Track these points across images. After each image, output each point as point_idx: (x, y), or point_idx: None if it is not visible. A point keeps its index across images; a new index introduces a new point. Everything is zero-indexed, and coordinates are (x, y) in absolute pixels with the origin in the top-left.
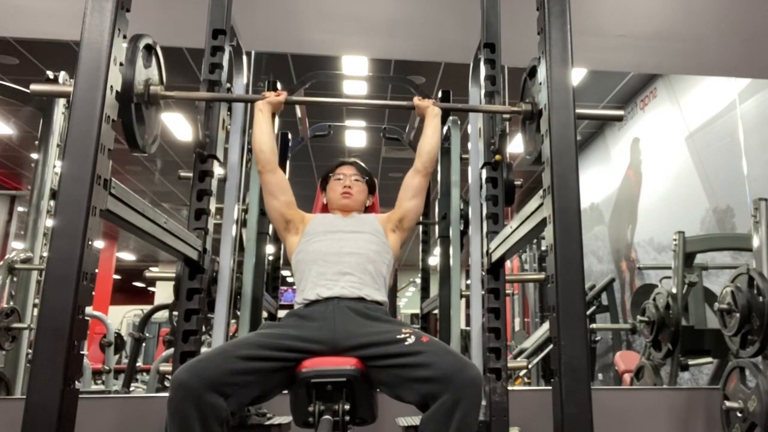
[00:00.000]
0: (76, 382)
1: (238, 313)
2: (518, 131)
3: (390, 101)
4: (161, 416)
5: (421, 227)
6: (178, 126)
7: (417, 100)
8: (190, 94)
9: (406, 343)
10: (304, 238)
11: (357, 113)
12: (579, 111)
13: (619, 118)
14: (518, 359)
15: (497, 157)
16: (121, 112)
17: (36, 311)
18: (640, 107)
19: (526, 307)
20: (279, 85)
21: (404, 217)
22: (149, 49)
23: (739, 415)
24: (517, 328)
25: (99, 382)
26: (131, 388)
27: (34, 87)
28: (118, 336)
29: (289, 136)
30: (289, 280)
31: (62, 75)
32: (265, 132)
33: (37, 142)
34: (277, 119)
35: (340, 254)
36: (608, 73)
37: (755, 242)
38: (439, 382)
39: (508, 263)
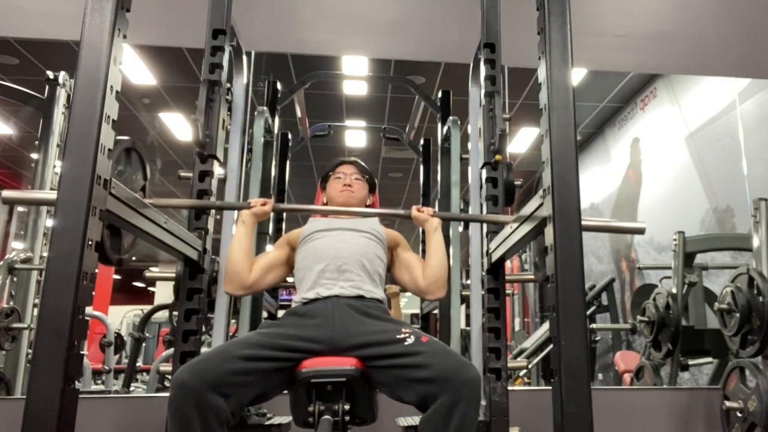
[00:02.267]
0: (76, 382)
1: (239, 313)
2: (518, 131)
3: (385, 210)
4: (161, 416)
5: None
6: (178, 126)
7: (415, 211)
8: (173, 202)
9: (406, 343)
10: (302, 243)
11: (357, 113)
12: (597, 224)
13: (641, 231)
14: (518, 359)
15: (497, 157)
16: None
17: (36, 311)
18: (640, 107)
19: (526, 307)
20: (279, 85)
21: (394, 268)
22: (128, 152)
23: (739, 415)
24: (517, 328)
25: (99, 382)
26: (131, 388)
27: (6, 194)
28: (118, 336)
29: (289, 136)
30: (290, 280)
31: (62, 75)
32: (244, 249)
33: (37, 142)
34: (277, 119)
35: (338, 249)
36: (608, 73)
37: (755, 242)
38: (438, 382)
39: (508, 263)
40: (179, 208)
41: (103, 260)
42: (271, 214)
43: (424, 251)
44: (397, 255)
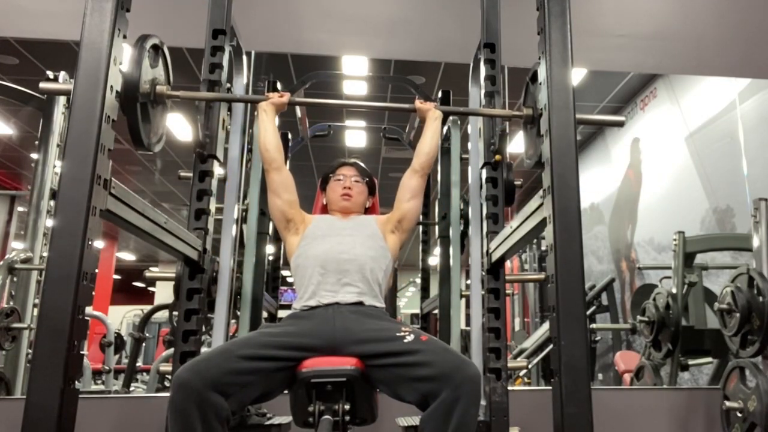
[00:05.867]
0: (76, 382)
1: (238, 313)
2: (518, 131)
3: (392, 103)
4: (161, 416)
5: (421, 227)
6: (178, 126)
7: (419, 103)
8: (196, 94)
9: (405, 341)
10: (303, 241)
11: (357, 113)
12: (579, 116)
13: (620, 124)
14: (518, 359)
15: (497, 157)
16: (126, 110)
17: (36, 311)
18: (640, 107)
19: (526, 307)
20: (279, 86)
21: (403, 217)
22: (156, 49)
23: (739, 415)
24: (517, 328)
25: (99, 382)
26: (131, 388)
27: (43, 85)
28: (118, 336)
29: (289, 136)
30: (289, 280)
31: (62, 75)
32: (270, 131)
33: (37, 142)
34: (277, 119)
35: (339, 261)
36: (608, 73)
37: (755, 242)
38: (438, 380)
39: (508, 263)
40: (199, 100)
41: (136, 143)
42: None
43: (424, 241)
44: (395, 215)
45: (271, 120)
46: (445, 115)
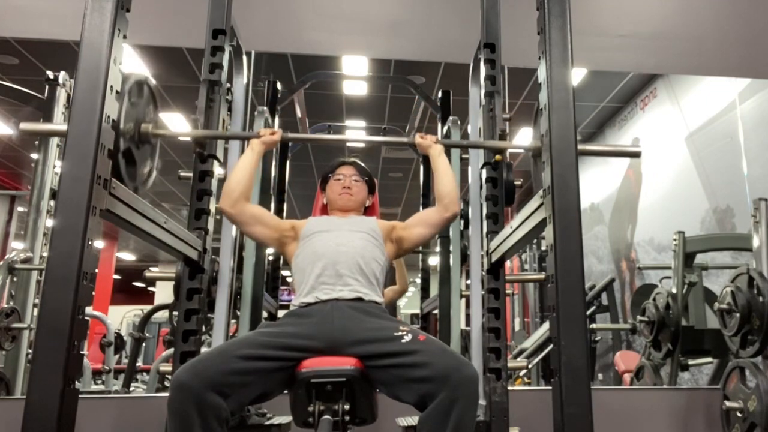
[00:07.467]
0: (76, 382)
1: (238, 313)
2: (518, 131)
3: (390, 137)
4: (161, 416)
5: None
6: (178, 126)
7: (419, 138)
8: (184, 132)
9: (403, 340)
10: (302, 241)
11: (357, 113)
12: (592, 147)
13: (637, 155)
14: (518, 359)
15: (497, 157)
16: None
17: (36, 311)
18: (640, 107)
19: (526, 307)
20: (279, 86)
21: (405, 239)
22: (140, 85)
23: (739, 415)
24: (517, 328)
25: (99, 382)
26: (131, 388)
27: (24, 126)
28: (118, 336)
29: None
30: (289, 279)
31: (62, 75)
32: (248, 171)
33: (37, 142)
34: (277, 119)
35: (337, 252)
36: (608, 73)
37: (755, 242)
38: (436, 381)
39: (508, 263)
40: (185, 136)
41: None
42: (272, 205)
43: (424, 249)
44: (402, 231)
45: (255, 159)
46: (445, 109)
